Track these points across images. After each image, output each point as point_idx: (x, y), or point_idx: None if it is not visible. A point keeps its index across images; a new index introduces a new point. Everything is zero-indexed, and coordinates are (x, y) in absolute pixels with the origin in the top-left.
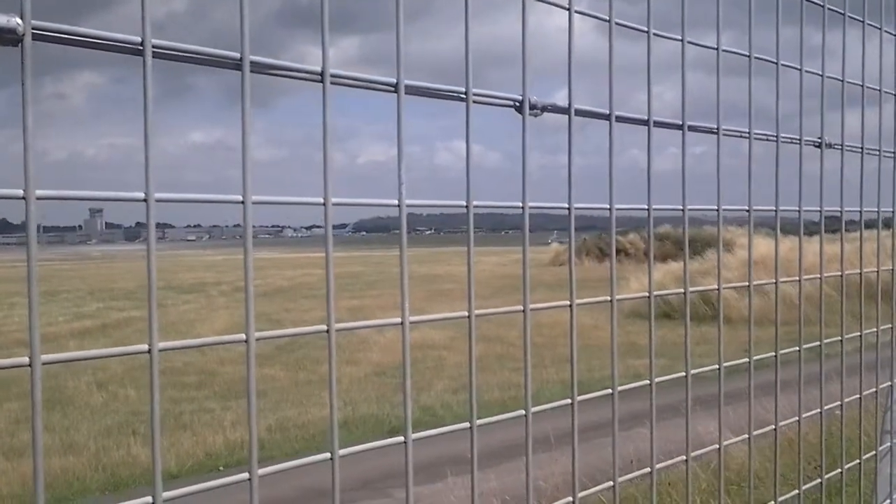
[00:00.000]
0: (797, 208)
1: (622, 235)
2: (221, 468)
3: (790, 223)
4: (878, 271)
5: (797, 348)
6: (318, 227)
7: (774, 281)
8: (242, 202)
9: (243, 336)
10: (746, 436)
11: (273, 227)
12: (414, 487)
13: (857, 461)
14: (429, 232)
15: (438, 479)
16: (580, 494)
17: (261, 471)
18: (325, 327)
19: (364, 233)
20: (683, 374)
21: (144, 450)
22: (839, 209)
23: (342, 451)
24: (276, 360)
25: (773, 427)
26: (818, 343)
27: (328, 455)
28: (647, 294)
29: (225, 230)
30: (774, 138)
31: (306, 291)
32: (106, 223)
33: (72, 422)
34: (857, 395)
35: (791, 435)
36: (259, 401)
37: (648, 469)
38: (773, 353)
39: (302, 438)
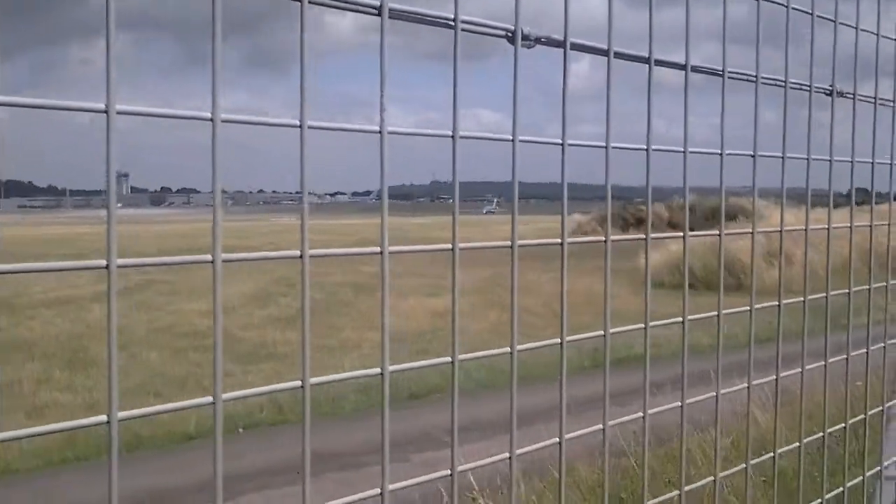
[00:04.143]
0: (805, 156)
1: (643, 205)
2: (241, 430)
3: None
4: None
5: (802, 299)
6: (342, 193)
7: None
8: (211, 119)
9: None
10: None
11: (296, 192)
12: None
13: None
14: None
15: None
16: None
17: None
18: (298, 253)
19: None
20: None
21: None
22: (850, 159)
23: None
24: (297, 323)
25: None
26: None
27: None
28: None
29: (249, 196)
30: (783, 83)
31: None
32: (131, 187)
33: (94, 382)
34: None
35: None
36: (280, 364)
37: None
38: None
39: (323, 401)
